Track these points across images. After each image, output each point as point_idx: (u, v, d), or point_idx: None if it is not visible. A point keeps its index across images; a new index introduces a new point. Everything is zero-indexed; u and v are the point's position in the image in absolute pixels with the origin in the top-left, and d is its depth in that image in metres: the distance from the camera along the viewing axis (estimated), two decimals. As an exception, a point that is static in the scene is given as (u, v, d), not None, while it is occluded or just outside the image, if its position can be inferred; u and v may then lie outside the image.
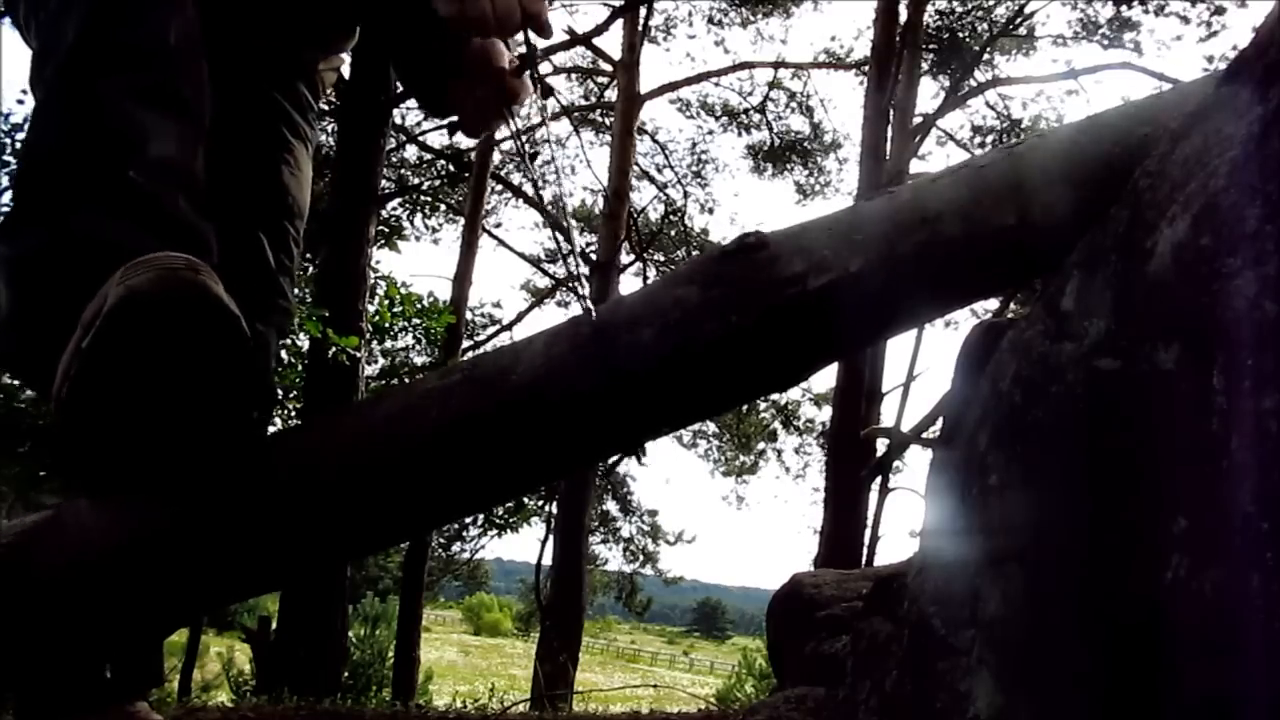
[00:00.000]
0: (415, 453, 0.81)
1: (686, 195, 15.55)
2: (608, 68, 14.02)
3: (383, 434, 0.83)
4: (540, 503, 12.62)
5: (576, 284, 0.94)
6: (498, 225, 15.36)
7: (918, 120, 11.08)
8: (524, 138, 1.16)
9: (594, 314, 0.83)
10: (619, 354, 0.80)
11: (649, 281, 0.90)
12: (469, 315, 12.82)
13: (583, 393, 0.81)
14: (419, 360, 9.36)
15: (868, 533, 8.89)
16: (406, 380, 7.92)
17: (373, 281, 7.05)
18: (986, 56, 12.58)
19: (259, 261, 1.19)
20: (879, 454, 8.57)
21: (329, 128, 8.80)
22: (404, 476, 0.82)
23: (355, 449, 0.83)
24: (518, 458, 0.83)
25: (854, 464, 8.54)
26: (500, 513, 11.54)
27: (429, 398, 0.83)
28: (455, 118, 1.22)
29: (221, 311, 0.74)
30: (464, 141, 14.51)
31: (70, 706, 1.04)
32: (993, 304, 7.99)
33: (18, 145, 5.38)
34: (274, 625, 6.50)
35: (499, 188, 14.34)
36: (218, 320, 0.74)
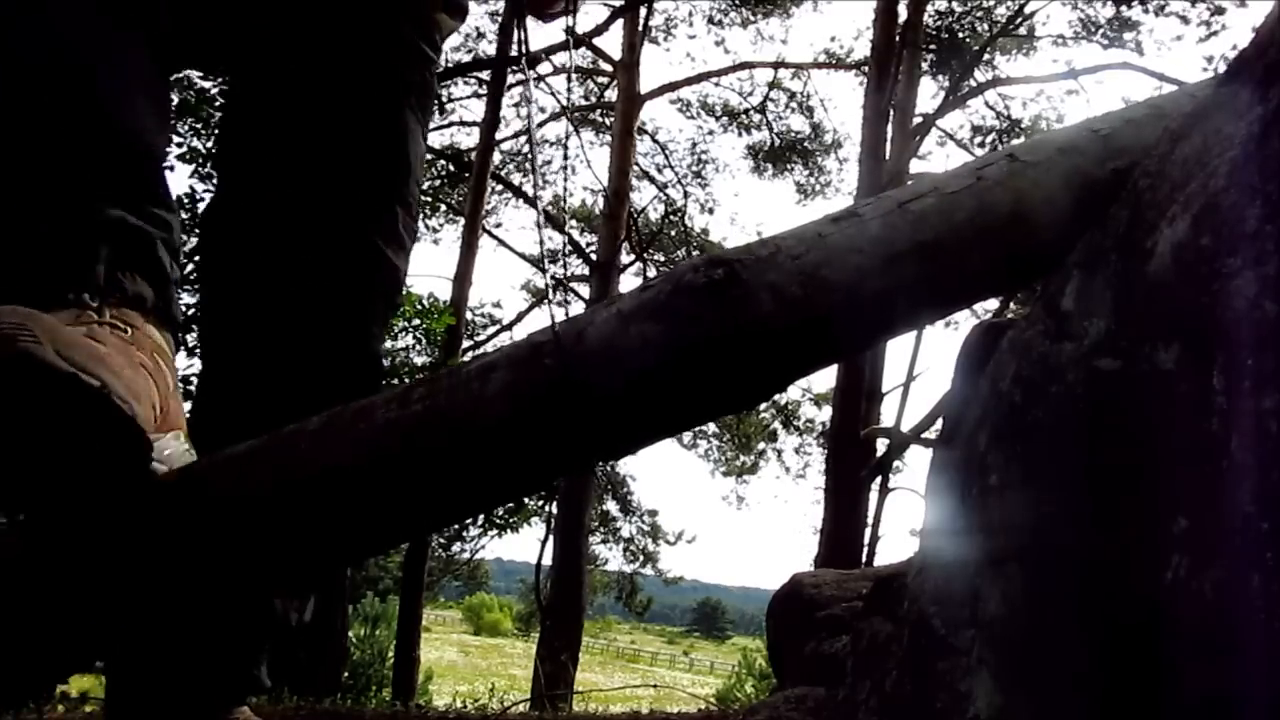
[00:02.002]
0: (377, 501, 0.81)
1: (686, 195, 15.55)
2: (608, 68, 14.02)
3: (334, 485, 0.80)
4: (540, 503, 12.61)
5: (549, 297, 0.94)
6: (498, 225, 15.37)
7: (918, 120, 11.07)
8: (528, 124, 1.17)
9: (559, 337, 0.83)
10: (582, 392, 0.82)
11: (623, 297, 0.92)
12: (469, 315, 12.81)
13: (542, 428, 0.82)
14: (419, 360, 9.33)
15: (868, 533, 8.88)
16: (406, 380, 7.90)
17: (373, 281, 7.04)
18: (986, 56, 12.57)
19: (358, 238, 1.13)
20: (879, 454, 8.57)
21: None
22: (364, 522, 0.82)
23: (306, 496, 0.80)
24: (469, 489, 0.84)
25: (854, 464, 8.54)
26: (500, 513, 11.51)
27: (389, 431, 0.82)
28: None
29: (48, 380, 0.67)
30: (464, 142, 14.46)
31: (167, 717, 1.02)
32: (993, 304, 7.99)
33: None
34: (274, 625, 6.50)
35: (499, 188, 14.33)
36: (48, 391, 0.67)
